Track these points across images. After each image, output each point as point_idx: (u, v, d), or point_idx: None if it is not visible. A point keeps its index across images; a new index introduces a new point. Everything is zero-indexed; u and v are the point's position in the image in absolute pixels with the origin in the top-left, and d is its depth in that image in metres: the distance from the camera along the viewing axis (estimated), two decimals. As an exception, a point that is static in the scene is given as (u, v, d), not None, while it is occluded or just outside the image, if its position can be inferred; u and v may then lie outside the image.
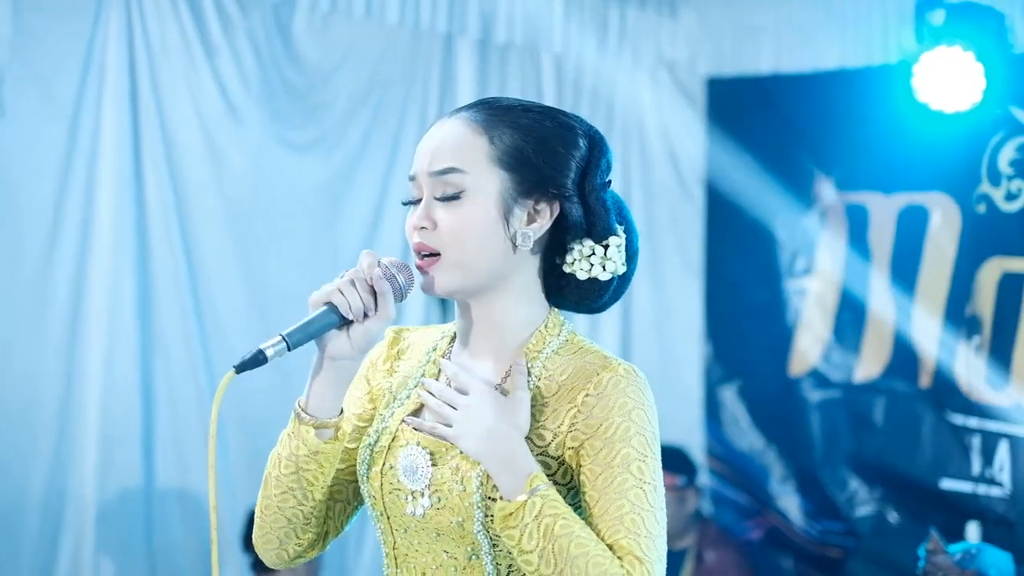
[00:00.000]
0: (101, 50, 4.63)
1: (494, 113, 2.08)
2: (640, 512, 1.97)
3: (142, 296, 4.74)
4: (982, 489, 5.03)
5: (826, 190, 5.62)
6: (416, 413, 2.14)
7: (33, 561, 4.56)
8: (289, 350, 2.02)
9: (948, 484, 5.18)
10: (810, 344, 5.71)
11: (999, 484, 5.00)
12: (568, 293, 2.13)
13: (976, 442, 5.08)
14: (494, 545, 2.02)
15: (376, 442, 2.14)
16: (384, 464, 2.11)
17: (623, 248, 2.11)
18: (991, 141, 5.01)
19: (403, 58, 5.34)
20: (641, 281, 5.95)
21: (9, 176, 4.48)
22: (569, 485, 2.03)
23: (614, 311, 5.85)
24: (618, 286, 2.15)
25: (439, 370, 2.16)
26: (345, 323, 2.04)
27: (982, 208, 5.07)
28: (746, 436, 5.92)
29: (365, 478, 2.13)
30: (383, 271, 2.06)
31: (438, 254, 2.06)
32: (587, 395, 2.02)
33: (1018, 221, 4.98)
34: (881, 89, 5.30)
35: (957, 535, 4.78)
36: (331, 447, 2.10)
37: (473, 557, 2.04)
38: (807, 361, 5.72)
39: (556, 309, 2.15)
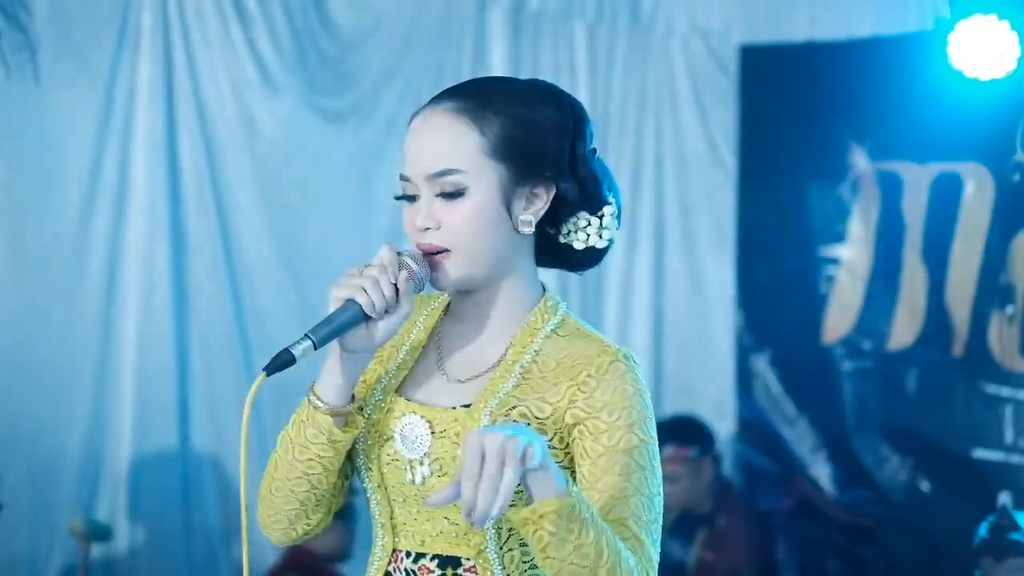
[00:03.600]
0: (136, 18, 4.66)
1: (479, 101, 2.07)
2: (641, 496, 2.01)
3: (176, 262, 4.78)
4: (1014, 459, 5.02)
5: (859, 159, 5.60)
6: (405, 383, 2.15)
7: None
8: (316, 349, 2.01)
9: (980, 453, 5.17)
10: (842, 313, 5.70)
11: (1031, 454, 5.00)
12: (564, 261, 2.18)
13: (1009, 411, 5.06)
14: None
15: (371, 414, 2.14)
16: (380, 435, 2.12)
17: (616, 215, 2.15)
18: (1027, 110, 4.99)
19: (436, 24, 5.34)
20: (674, 250, 5.95)
21: (45, 144, 4.51)
22: (565, 450, 2.06)
23: (646, 279, 5.86)
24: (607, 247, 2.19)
25: (428, 340, 2.19)
26: (367, 319, 2.04)
27: (1016, 177, 5.05)
28: (778, 405, 5.92)
29: (361, 451, 2.14)
30: (404, 265, 2.05)
31: (447, 250, 2.06)
32: (588, 376, 2.04)
33: (1053, 190, 4.96)
34: (916, 57, 5.27)
35: (989, 505, 4.78)
36: (348, 434, 2.10)
37: None
38: (839, 330, 5.71)
39: (549, 291, 2.17)
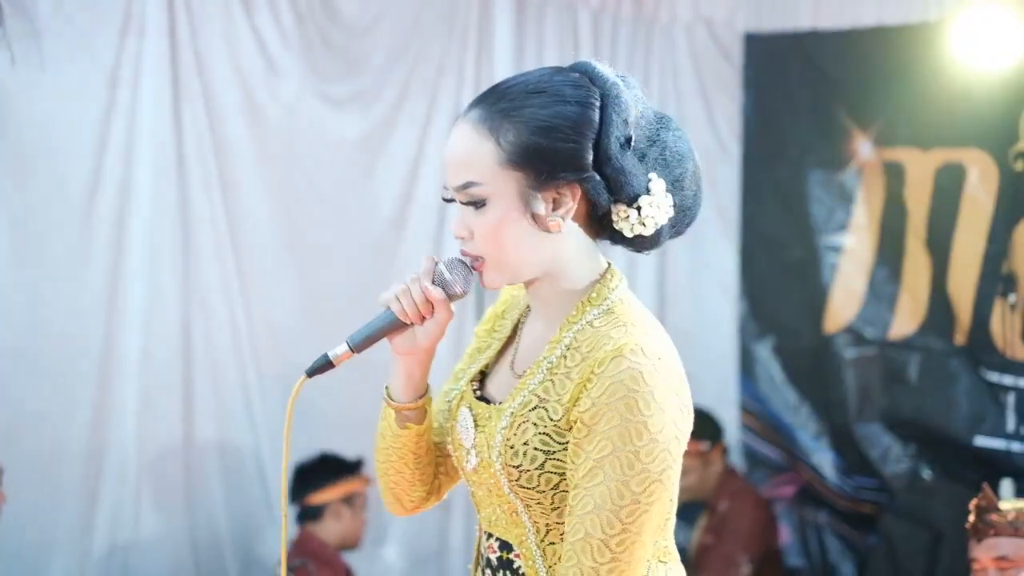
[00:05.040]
0: (140, 4, 4.65)
1: (498, 109, 2.08)
2: (602, 512, 1.97)
3: (181, 249, 4.78)
4: (1016, 447, 5.03)
5: (863, 147, 5.61)
6: (484, 375, 2.27)
7: (74, 512, 4.62)
8: (354, 353, 2.16)
9: (982, 441, 5.18)
10: (845, 301, 5.71)
11: (1033, 442, 5.01)
12: (624, 243, 2.18)
13: (1011, 399, 5.08)
14: (527, 506, 2.10)
15: (451, 402, 2.28)
16: (454, 421, 2.25)
17: (657, 202, 2.12)
18: (1030, 98, 5.00)
19: (440, 12, 5.35)
20: (676, 238, 5.94)
21: (49, 131, 4.51)
22: None
23: (650, 268, 5.87)
24: (678, 220, 2.18)
25: (513, 332, 2.29)
26: (405, 325, 2.16)
27: (1020, 166, 5.06)
28: (780, 393, 5.93)
29: (448, 433, 2.29)
30: (436, 275, 2.14)
31: (481, 257, 2.13)
32: (592, 372, 2.02)
33: (1056, 179, 4.97)
34: (920, 46, 5.28)
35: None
36: (414, 429, 2.25)
37: (514, 514, 2.13)
38: (842, 318, 5.72)
39: (610, 274, 2.17)
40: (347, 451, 4.84)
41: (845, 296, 5.71)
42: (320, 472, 4.74)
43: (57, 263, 4.54)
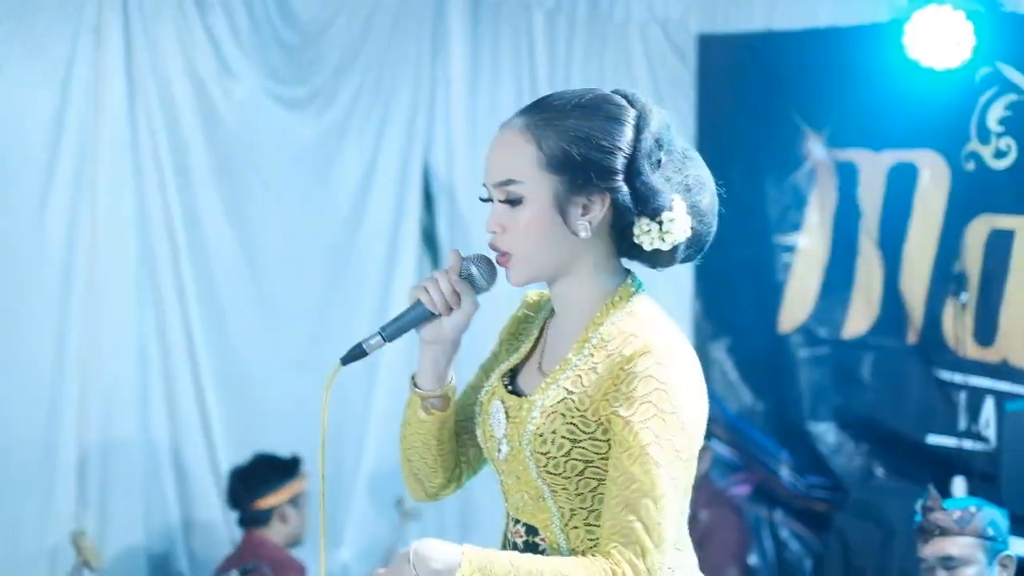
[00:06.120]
0: (95, 7, 4.63)
1: (544, 117, 2.26)
2: (647, 499, 2.12)
3: (135, 249, 4.76)
4: (967, 444, 5.07)
5: (816, 147, 5.65)
6: (516, 372, 2.39)
7: (28, 509, 4.58)
8: (385, 342, 2.30)
9: (934, 439, 5.22)
10: (799, 301, 5.74)
11: (984, 440, 5.05)
12: (642, 257, 2.30)
13: (962, 398, 5.12)
14: (553, 491, 2.23)
15: (481, 397, 2.40)
16: (484, 415, 2.38)
17: (678, 220, 2.25)
18: (980, 99, 5.04)
19: (395, 12, 5.35)
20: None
21: (1, 131, 4.49)
22: (609, 441, 2.19)
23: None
24: (693, 243, 2.30)
25: (540, 333, 2.41)
26: (433, 315, 2.32)
27: (971, 166, 5.10)
28: (735, 392, 5.96)
29: (478, 426, 2.41)
30: (463, 268, 2.32)
31: (509, 253, 2.28)
32: (621, 368, 2.17)
33: (1007, 178, 5.01)
34: (872, 47, 5.31)
35: (943, 490, 4.82)
36: (438, 415, 2.41)
37: (540, 499, 2.26)
38: (796, 318, 5.75)
39: (630, 279, 2.30)
40: (281, 446, 4.78)
41: (799, 296, 5.74)
42: (265, 476, 4.70)
43: (10, 263, 4.52)
